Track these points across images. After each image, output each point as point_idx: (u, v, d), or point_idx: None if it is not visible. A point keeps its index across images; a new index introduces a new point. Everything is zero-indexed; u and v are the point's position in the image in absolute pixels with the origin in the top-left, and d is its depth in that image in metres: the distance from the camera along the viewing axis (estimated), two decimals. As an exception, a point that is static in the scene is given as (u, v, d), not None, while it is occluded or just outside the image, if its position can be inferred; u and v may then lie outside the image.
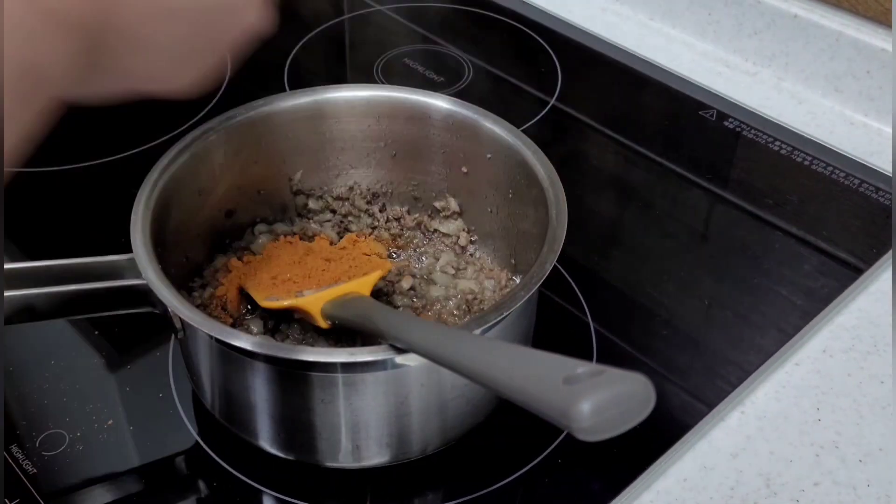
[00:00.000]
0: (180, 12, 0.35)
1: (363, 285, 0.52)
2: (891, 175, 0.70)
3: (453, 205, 0.60)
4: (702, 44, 0.86)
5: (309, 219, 0.61)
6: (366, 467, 0.50)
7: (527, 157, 0.54)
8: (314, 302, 0.50)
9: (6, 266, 0.47)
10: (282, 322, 0.54)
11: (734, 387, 0.55)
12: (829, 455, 0.52)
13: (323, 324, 0.49)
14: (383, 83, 0.80)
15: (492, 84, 0.81)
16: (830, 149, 0.73)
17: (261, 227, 0.59)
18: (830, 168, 0.72)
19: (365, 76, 0.81)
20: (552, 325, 0.58)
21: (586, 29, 0.87)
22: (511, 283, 0.57)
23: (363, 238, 0.60)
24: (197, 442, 0.52)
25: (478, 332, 0.44)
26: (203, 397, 0.52)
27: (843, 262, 0.64)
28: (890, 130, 0.75)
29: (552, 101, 0.78)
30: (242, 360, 0.46)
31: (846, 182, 0.70)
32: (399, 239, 0.60)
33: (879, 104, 0.76)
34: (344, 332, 0.52)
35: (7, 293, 0.46)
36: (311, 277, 0.54)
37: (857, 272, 0.63)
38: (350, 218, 0.61)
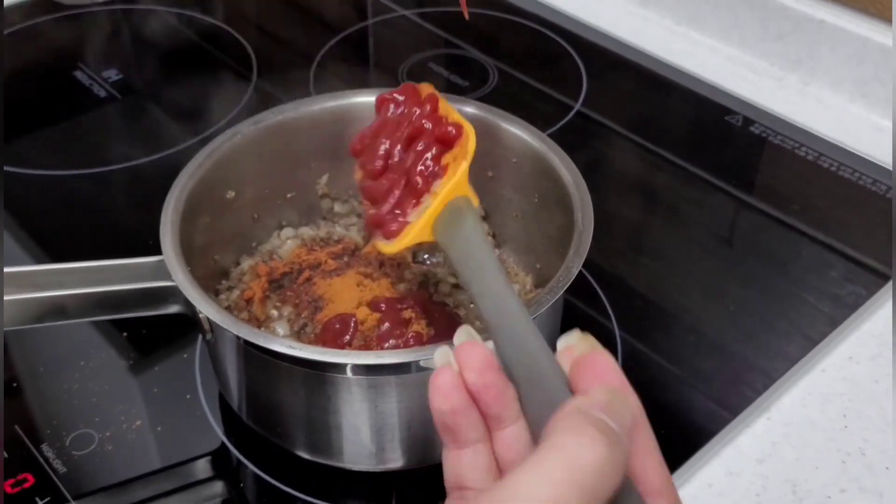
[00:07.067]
0: None
1: (457, 186, 0.46)
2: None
3: (478, 209, 0.60)
4: (727, 48, 0.85)
5: (335, 222, 0.61)
6: (389, 470, 0.50)
7: (553, 161, 0.54)
8: (421, 232, 0.46)
9: (40, 267, 0.48)
10: (307, 325, 0.54)
11: (759, 393, 0.55)
12: (855, 462, 0.52)
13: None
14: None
15: (517, 88, 0.81)
16: (857, 154, 0.73)
17: (287, 232, 0.60)
18: (857, 174, 0.71)
19: (390, 81, 0.82)
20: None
21: (611, 34, 0.87)
22: (536, 287, 0.57)
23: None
24: (223, 443, 0.53)
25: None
26: (230, 399, 0.53)
27: (869, 268, 0.63)
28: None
29: (577, 106, 0.78)
30: (270, 362, 0.46)
31: (873, 188, 0.70)
32: (423, 242, 0.60)
33: (907, 110, 0.76)
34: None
35: (40, 294, 0.47)
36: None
37: (884, 279, 0.62)
38: (376, 221, 0.61)
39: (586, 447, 0.28)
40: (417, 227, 0.46)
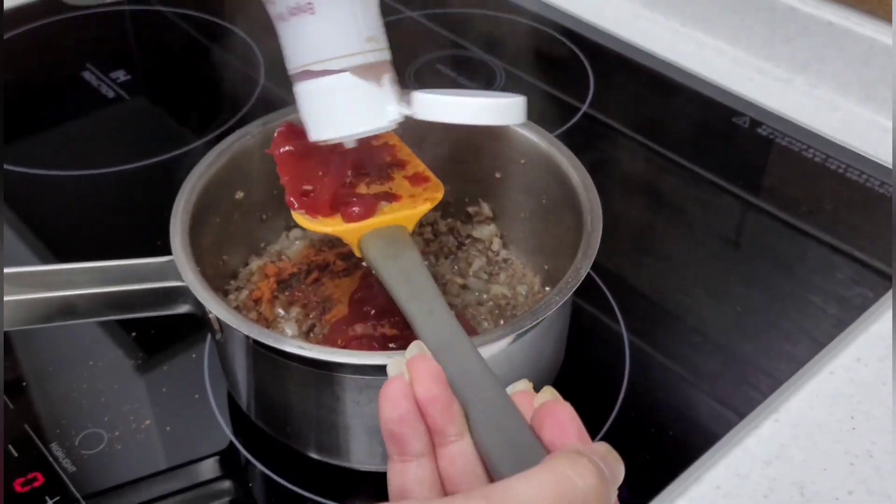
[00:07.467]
0: None
1: (408, 219, 0.47)
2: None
3: (486, 210, 0.60)
4: (734, 50, 0.85)
5: (343, 223, 0.61)
6: (399, 470, 0.50)
7: (561, 162, 0.54)
8: (352, 231, 0.46)
9: (50, 267, 0.48)
10: (315, 325, 0.54)
11: (766, 395, 0.55)
12: (863, 464, 0.52)
13: (358, 254, 0.47)
14: (416, 89, 0.80)
15: (523, 90, 0.81)
16: (864, 156, 0.73)
17: (296, 233, 0.60)
18: (865, 176, 0.71)
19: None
20: (585, 333, 0.58)
21: (618, 35, 0.87)
22: (544, 288, 0.57)
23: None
24: (231, 442, 0.53)
25: (512, 336, 0.45)
26: (238, 398, 0.53)
27: (877, 270, 0.63)
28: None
29: (584, 108, 0.79)
30: (279, 362, 0.46)
31: (880, 190, 0.70)
32: (432, 244, 0.61)
33: (914, 112, 0.75)
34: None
35: (49, 293, 0.47)
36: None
37: (891, 281, 0.62)
38: (383, 222, 0.61)
39: (579, 474, 0.30)
40: (349, 226, 0.46)
